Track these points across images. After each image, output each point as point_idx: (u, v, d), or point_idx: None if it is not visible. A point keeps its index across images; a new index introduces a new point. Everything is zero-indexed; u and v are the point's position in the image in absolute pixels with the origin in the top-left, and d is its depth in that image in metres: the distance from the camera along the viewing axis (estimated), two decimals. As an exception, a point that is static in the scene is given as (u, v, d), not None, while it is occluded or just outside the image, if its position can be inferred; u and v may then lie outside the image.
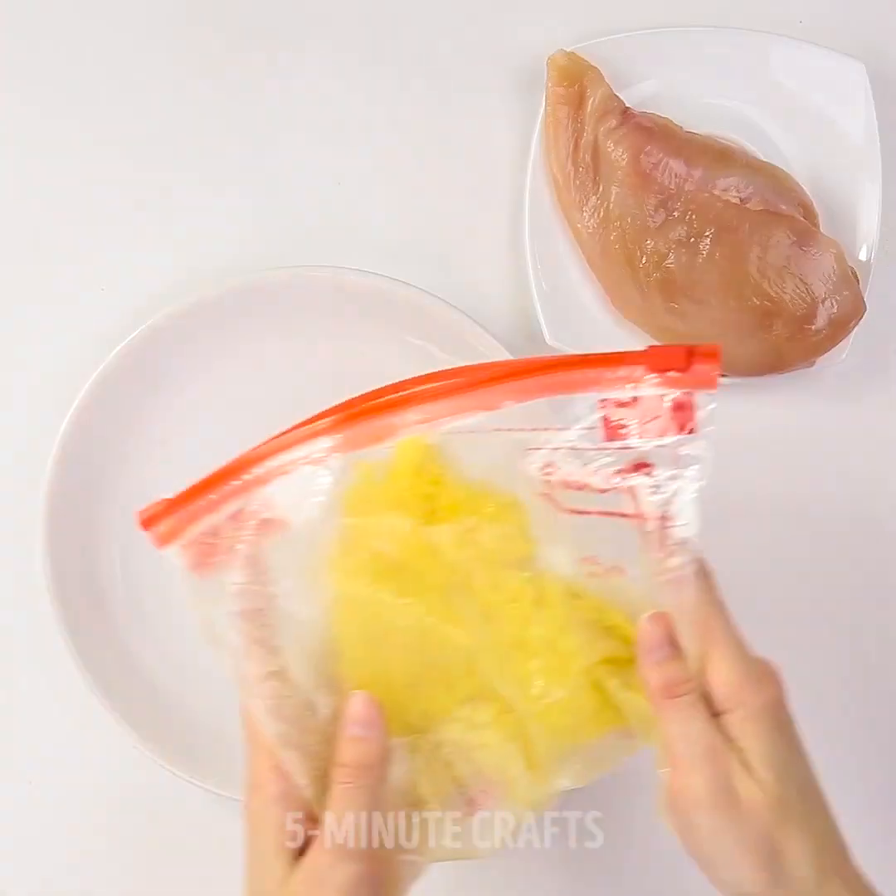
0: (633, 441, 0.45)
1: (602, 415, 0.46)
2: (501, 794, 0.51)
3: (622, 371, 0.45)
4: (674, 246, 0.64)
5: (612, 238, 0.64)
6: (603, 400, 0.46)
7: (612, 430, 0.46)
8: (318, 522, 0.48)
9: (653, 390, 0.45)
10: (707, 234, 0.63)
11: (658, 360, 0.45)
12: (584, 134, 0.64)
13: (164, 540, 0.48)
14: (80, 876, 0.65)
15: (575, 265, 0.66)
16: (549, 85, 0.64)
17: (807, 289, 0.63)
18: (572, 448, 0.47)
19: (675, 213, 0.64)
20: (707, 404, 0.45)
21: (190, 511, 0.48)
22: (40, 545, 0.62)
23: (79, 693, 0.62)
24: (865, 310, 0.64)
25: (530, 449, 0.47)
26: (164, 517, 0.48)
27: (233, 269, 0.65)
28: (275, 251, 0.66)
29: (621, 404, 0.46)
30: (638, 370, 0.45)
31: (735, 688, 0.46)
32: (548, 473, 0.47)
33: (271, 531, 0.48)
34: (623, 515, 0.46)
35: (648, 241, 0.64)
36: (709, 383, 0.44)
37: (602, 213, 0.64)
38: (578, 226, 0.65)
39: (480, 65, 0.67)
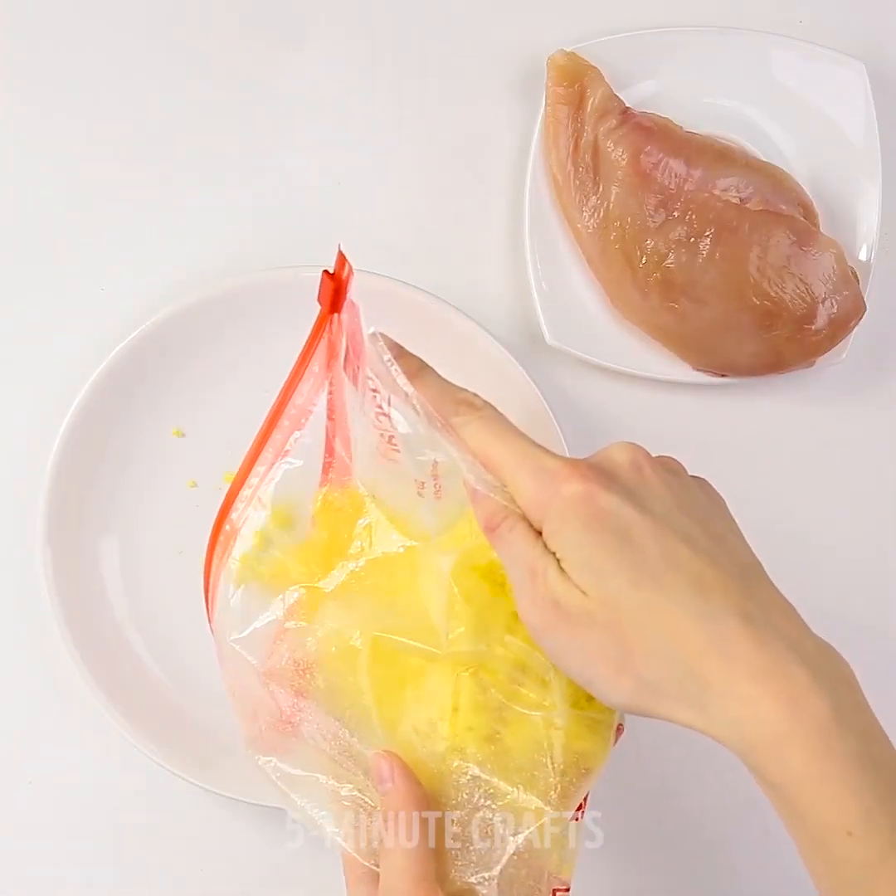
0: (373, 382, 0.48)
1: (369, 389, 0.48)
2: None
3: (324, 344, 0.50)
4: (674, 246, 0.64)
5: (612, 238, 0.64)
6: (353, 379, 0.49)
7: (373, 391, 0.48)
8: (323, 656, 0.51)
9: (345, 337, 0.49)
10: (707, 234, 0.63)
11: (328, 311, 0.49)
12: (584, 134, 0.64)
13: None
14: (80, 876, 0.65)
15: (575, 265, 0.66)
16: (549, 85, 0.64)
17: (807, 289, 0.63)
18: (383, 431, 0.49)
19: (675, 213, 0.64)
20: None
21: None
22: (40, 545, 0.62)
23: (79, 693, 0.62)
24: (865, 310, 0.64)
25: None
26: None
27: (233, 269, 0.65)
28: (275, 251, 0.66)
29: (356, 370, 0.49)
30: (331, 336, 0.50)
31: (534, 497, 0.44)
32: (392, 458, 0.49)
33: (306, 687, 0.51)
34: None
35: (648, 241, 0.64)
36: (349, 281, 0.49)
37: (602, 213, 0.64)
38: (578, 226, 0.65)
39: (480, 65, 0.67)
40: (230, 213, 0.67)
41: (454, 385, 0.49)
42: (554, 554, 0.44)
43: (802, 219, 0.64)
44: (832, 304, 0.63)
